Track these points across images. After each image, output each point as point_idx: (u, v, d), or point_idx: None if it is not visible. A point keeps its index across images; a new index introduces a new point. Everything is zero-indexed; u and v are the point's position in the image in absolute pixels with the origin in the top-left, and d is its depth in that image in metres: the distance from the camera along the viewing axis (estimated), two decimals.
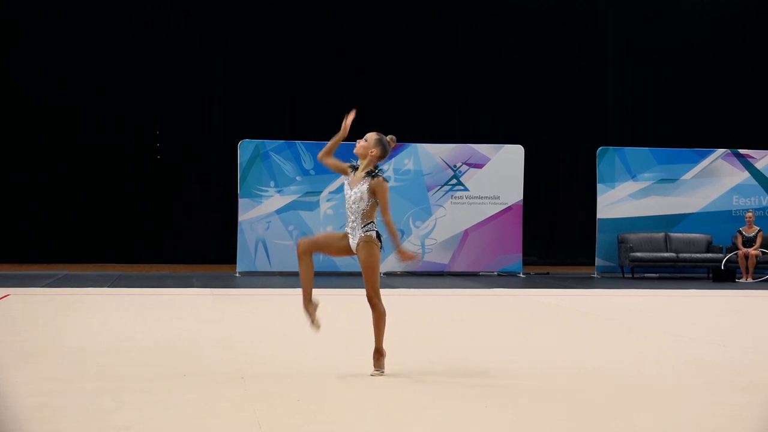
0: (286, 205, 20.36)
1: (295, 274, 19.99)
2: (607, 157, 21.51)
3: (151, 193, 23.78)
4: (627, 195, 21.49)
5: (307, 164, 20.39)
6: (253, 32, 24.38)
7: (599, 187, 21.47)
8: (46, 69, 23.41)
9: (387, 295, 15.64)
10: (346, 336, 10.66)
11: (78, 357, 8.81)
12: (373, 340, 8.16)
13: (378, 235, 8.10)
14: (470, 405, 6.93)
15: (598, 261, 21.49)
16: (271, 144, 20.50)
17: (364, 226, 8.05)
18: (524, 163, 21.13)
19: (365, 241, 8.05)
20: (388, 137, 8.26)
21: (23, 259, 22.57)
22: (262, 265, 20.33)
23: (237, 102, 24.35)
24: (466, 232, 20.92)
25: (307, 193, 20.41)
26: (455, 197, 20.89)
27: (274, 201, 20.34)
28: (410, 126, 24.43)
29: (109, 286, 16.94)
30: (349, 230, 8.15)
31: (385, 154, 8.18)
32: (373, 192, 8.00)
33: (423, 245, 20.76)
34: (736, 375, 8.35)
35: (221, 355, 9.10)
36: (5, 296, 14.72)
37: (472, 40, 25.08)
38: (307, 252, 8.16)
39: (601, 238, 21.42)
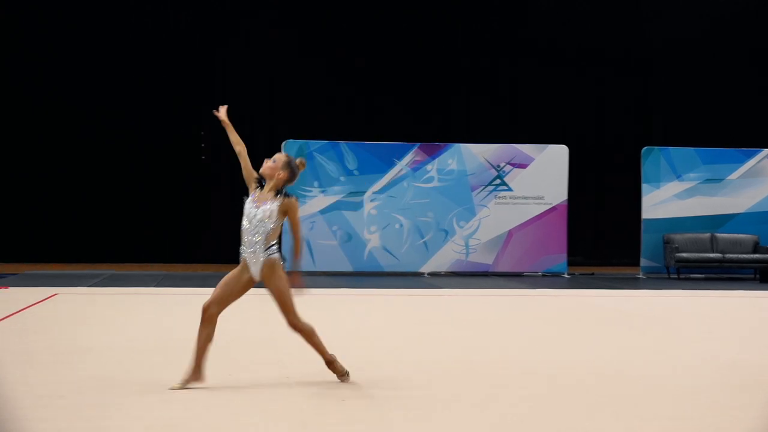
0: (330, 205, 20.42)
1: (340, 274, 20.15)
2: (652, 157, 21.38)
3: (195, 194, 23.92)
4: (672, 195, 21.34)
5: (351, 164, 20.43)
6: (297, 32, 24.45)
7: (644, 187, 21.33)
8: (102, 72, 23.66)
9: (431, 296, 15.69)
10: (388, 336, 10.67)
11: (123, 356, 8.90)
12: (320, 357, 7.79)
13: (282, 257, 7.65)
14: (519, 407, 6.93)
15: (643, 261, 21.34)
16: (314, 144, 20.56)
17: (267, 248, 7.54)
18: (568, 162, 21.06)
19: (269, 266, 7.54)
20: (298, 160, 7.76)
21: (71, 259, 22.80)
22: (306, 265, 20.34)
23: (281, 102, 24.43)
24: (510, 233, 20.87)
25: (351, 194, 20.45)
26: (499, 197, 20.86)
27: (318, 201, 20.40)
28: (454, 126, 24.43)
29: (155, 286, 17.06)
30: (247, 255, 7.60)
31: (293, 177, 7.67)
32: (284, 212, 7.56)
33: (467, 245, 20.73)
34: None
35: (266, 354, 9.15)
36: (53, 295, 14.87)
37: (516, 39, 25.01)
38: (212, 318, 7.66)
39: (647, 239, 21.27)
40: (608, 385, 7.81)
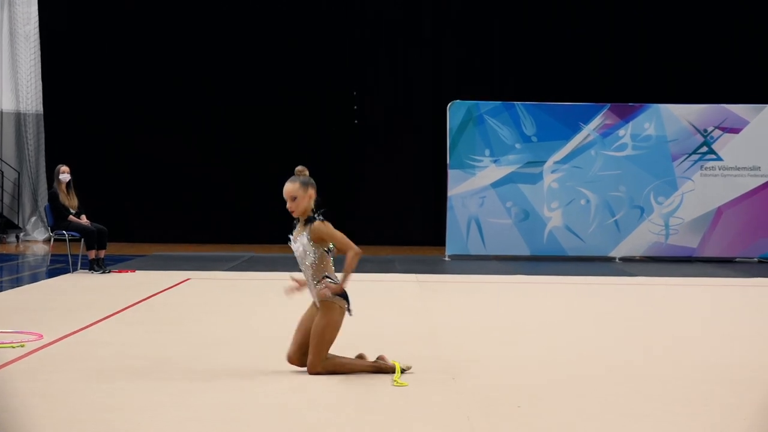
0: (503, 177, 20.30)
1: (513, 258, 20.04)
2: None
3: (347, 164, 24.12)
4: None
5: (528, 130, 20.25)
6: None
7: None
8: (243, 43, 24.11)
9: (623, 285, 15.45)
10: (568, 330, 10.52)
11: (262, 346, 8.96)
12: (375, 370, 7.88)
13: (345, 298, 7.94)
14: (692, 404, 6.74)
15: None
16: (485, 106, 20.43)
17: (318, 283, 7.92)
18: None
19: (324, 304, 7.88)
20: (297, 169, 8.03)
21: (206, 240, 23.30)
22: (475, 248, 20.33)
23: (448, 60, 24.39)
24: (719, 210, 20.43)
25: (528, 164, 20.28)
26: (706, 168, 20.41)
27: (489, 173, 20.30)
28: (652, 84, 23.98)
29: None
30: (308, 288, 8.09)
31: (312, 186, 7.97)
32: (316, 240, 7.95)
33: (667, 225, 20.37)
34: None
35: (428, 351, 9.11)
36: (185, 280, 15.16)
37: None
38: (302, 363, 7.95)
39: None
40: None
